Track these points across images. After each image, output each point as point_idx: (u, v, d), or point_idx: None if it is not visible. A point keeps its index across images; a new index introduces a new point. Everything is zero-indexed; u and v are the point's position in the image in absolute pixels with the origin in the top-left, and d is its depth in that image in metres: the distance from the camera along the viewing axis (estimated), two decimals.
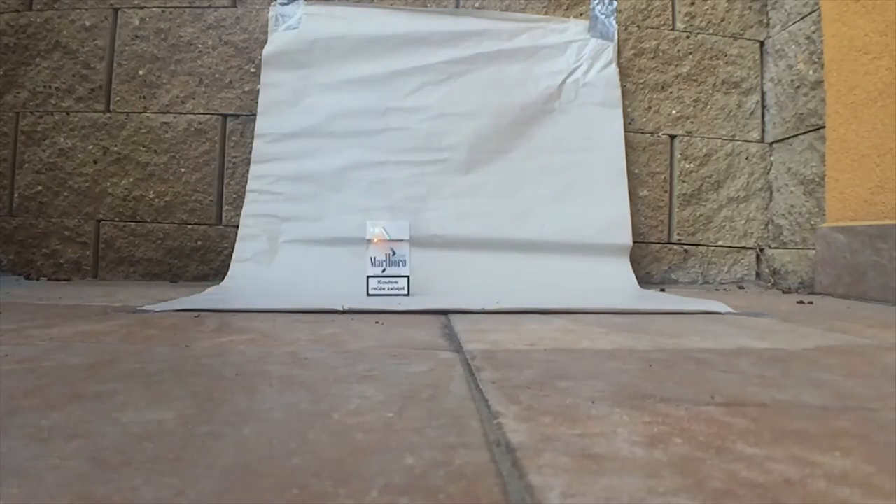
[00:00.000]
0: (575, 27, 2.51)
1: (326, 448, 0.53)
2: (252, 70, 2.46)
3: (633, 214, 2.55)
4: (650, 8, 2.62)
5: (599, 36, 2.54)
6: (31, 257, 2.47)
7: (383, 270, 1.85)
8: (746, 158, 2.63)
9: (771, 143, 2.61)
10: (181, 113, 2.45)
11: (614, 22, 2.55)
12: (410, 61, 2.36)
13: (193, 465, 0.49)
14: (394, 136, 2.32)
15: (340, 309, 1.51)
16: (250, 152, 2.37)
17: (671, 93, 2.61)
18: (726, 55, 2.64)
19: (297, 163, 2.29)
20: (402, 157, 2.31)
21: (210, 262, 2.43)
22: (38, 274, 2.45)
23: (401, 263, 1.86)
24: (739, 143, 2.63)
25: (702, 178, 2.60)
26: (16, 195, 2.47)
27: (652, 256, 2.57)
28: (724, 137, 2.63)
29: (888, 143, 1.92)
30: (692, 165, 2.61)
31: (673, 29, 2.63)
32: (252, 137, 2.37)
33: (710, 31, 2.65)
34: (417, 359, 0.95)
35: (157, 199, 2.45)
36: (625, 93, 2.53)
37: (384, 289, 1.84)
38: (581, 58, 2.47)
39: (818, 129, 2.28)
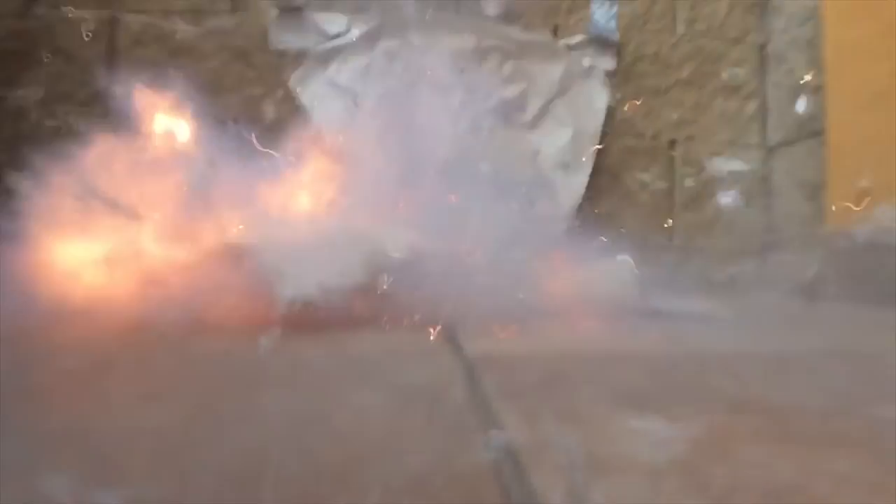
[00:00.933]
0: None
1: None
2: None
3: (634, 218, 2.55)
4: (650, 13, 2.62)
5: (599, 41, 2.54)
6: None
7: None
8: (747, 163, 2.63)
9: (771, 148, 2.61)
10: None
11: (615, 26, 2.55)
12: None
13: None
14: None
15: None
16: None
17: (671, 97, 2.61)
18: (727, 59, 2.64)
19: None
20: None
21: None
22: None
23: None
24: (740, 147, 2.63)
25: (702, 182, 2.60)
26: None
27: (653, 259, 2.56)
28: (725, 142, 2.62)
29: (888, 147, 1.92)
30: (693, 170, 2.60)
31: (673, 33, 2.63)
32: None
33: (711, 35, 2.65)
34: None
35: None
36: (625, 97, 2.53)
37: None
38: None
39: (819, 133, 2.28)
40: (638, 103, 2.58)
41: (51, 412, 0.64)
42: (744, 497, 0.44)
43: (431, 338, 1.18)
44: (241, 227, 1.48)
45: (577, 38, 2.56)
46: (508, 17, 2.57)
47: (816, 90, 2.30)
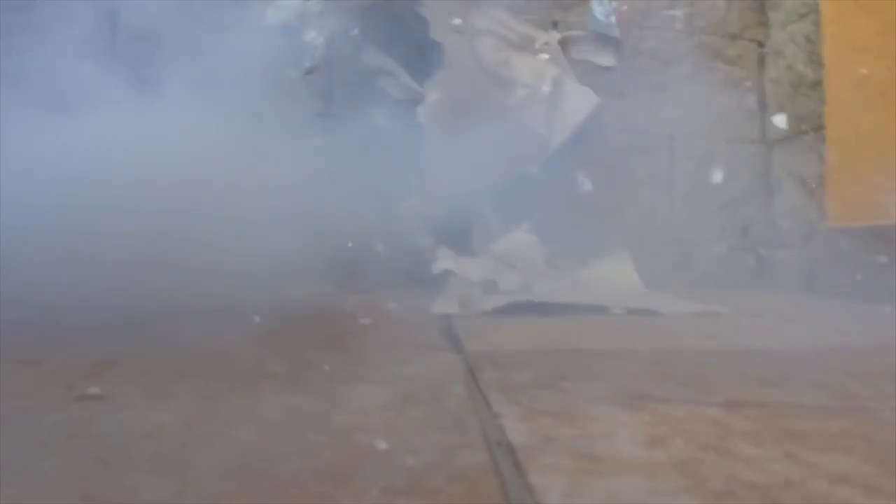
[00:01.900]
0: None
1: None
2: None
3: (633, 215, 2.55)
4: (650, 8, 2.61)
5: (599, 36, 2.54)
6: None
7: None
8: (746, 159, 2.63)
9: (770, 144, 2.61)
10: None
11: (614, 22, 2.55)
12: None
13: None
14: None
15: None
16: None
17: (670, 93, 2.60)
18: (725, 55, 2.64)
19: None
20: None
21: None
22: None
23: None
24: (739, 143, 2.63)
25: (701, 178, 2.60)
26: None
27: (652, 257, 2.56)
28: (724, 138, 2.62)
29: (888, 144, 1.92)
30: (692, 166, 2.60)
31: (672, 29, 2.63)
32: None
33: (710, 31, 2.64)
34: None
35: None
36: (625, 94, 2.53)
37: None
38: None
39: (818, 129, 2.28)
40: None
41: None
42: (740, 495, 0.45)
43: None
44: None
45: (577, 34, 2.56)
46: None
47: (816, 86, 2.30)
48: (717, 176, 2.63)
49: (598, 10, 2.57)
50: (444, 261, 2.07)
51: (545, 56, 2.50)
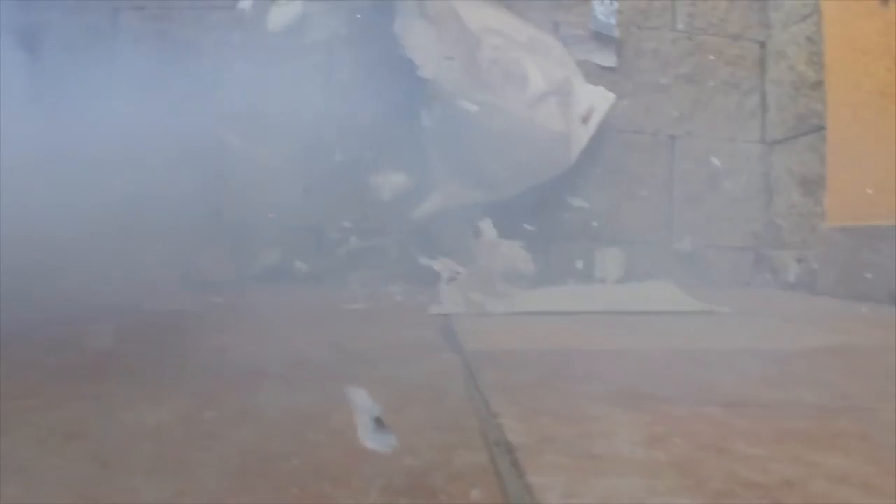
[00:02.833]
0: None
1: None
2: None
3: (633, 215, 2.55)
4: (651, 9, 2.61)
5: (600, 37, 2.54)
6: None
7: None
8: (746, 159, 2.62)
9: (771, 144, 2.61)
10: None
11: (615, 22, 2.55)
12: None
13: None
14: None
15: None
16: None
17: (671, 93, 2.60)
18: (727, 56, 2.63)
19: None
20: None
21: None
22: None
23: None
24: (740, 143, 2.63)
25: (702, 178, 2.60)
26: None
27: (652, 256, 2.56)
28: (725, 138, 2.62)
29: (888, 144, 1.92)
30: (692, 166, 2.60)
31: (673, 30, 2.63)
32: None
33: (711, 31, 2.64)
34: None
35: None
36: (626, 94, 2.53)
37: None
38: None
39: (818, 129, 2.28)
40: None
41: None
42: (740, 495, 0.45)
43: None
44: None
45: (578, 34, 2.56)
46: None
47: (816, 86, 2.29)
48: (718, 176, 2.63)
49: (598, 10, 2.57)
50: (441, 264, 2.06)
51: (555, 56, 2.49)
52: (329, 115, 2.42)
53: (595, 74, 2.56)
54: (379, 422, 0.71)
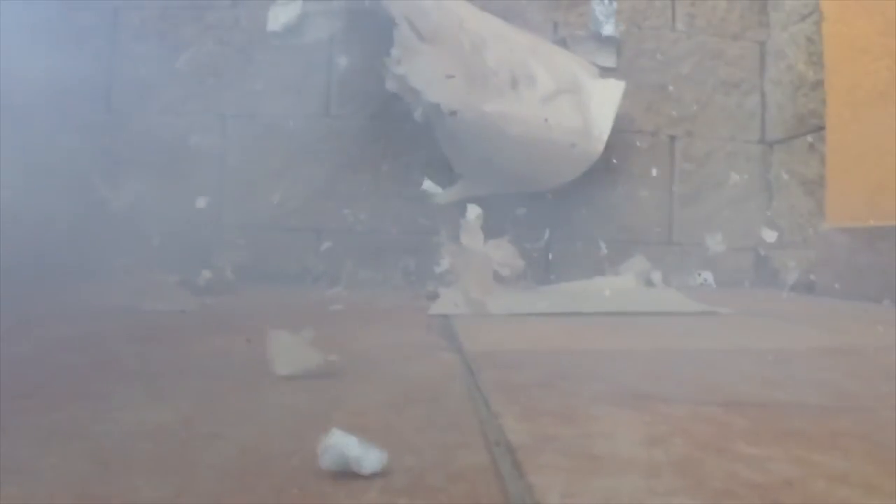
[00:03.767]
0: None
1: None
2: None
3: (633, 214, 2.55)
4: (650, 9, 2.61)
5: (599, 37, 2.54)
6: None
7: None
8: (746, 159, 2.62)
9: (771, 144, 2.61)
10: None
11: (615, 22, 2.55)
12: None
13: None
14: None
15: None
16: None
17: (671, 93, 2.60)
18: (726, 56, 2.64)
19: None
20: None
21: None
22: None
23: None
24: (739, 143, 2.63)
25: (702, 178, 2.60)
26: None
27: (652, 256, 2.56)
28: (724, 138, 2.62)
29: (888, 144, 1.92)
30: (692, 166, 2.60)
31: (673, 30, 2.63)
32: None
33: (711, 31, 2.64)
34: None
35: None
36: (625, 93, 2.53)
37: None
38: None
39: (818, 129, 2.28)
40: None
41: None
42: (740, 495, 0.45)
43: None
44: None
45: (578, 34, 2.56)
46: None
47: (816, 86, 2.29)
48: (718, 176, 2.63)
49: (598, 10, 2.57)
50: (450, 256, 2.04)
51: (558, 58, 2.49)
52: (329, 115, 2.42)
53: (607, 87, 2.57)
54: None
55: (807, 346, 1.11)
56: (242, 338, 1.06)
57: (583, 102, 2.41)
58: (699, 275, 2.24)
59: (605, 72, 2.55)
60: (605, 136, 2.37)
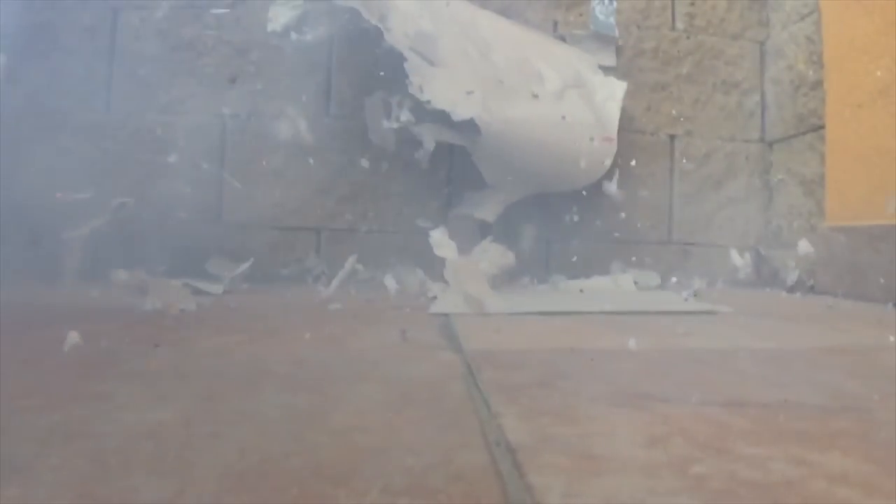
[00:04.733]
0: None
1: None
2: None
3: (633, 214, 2.55)
4: (650, 8, 2.61)
5: (599, 36, 2.54)
6: None
7: None
8: (746, 158, 2.63)
9: (771, 144, 2.61)
10: None
11: (614, 22, 2.55)
12: None
13: None
14: None
15: None
16: None
17: (671, 93, 2.60)
18: (726, 55, 2.64)
19: None
20: None
21: None
22: None
23: None
24: (739, 143, 2.63)
25: (701, 178, 2.60)
26: None
27: (652, 256, 2.57)
28: (724, 137, 2.62)
29: (888, 143, 1.92)
30: (692, 165, 2.60)
31: (673, 29, 2.63)
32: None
33: (710, 31, 2.64)
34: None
35: None
36: (625, 94, 2.53)
37: None
38: None
39: (818, 129, 2.28)
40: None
41: None
42: (740, 495, 0.45)
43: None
44: None
45: (578, 34, 2.56)
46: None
47: (816, 86, 2.30)
48: (718, 176, 2.63)
49: (598, 10, 2.57)
50: (444, 250, 2.04)
51: (559, 54, 2.49)
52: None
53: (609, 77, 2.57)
54: None
55: (807, 346, 1.11)
56: (243, 338, 1.06)
57: (589, 97, 2.42)
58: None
59: (606, 71, 2.56)
60: (615, 133, 2.39)
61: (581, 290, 2.08)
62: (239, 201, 2.43)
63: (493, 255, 2.13)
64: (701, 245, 2.61)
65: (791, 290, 2.28)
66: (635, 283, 2.29)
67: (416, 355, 0.98)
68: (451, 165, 2.48)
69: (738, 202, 2.63)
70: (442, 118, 2.17)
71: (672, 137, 2.62)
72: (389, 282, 2.26)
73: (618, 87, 2.48)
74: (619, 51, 2.59)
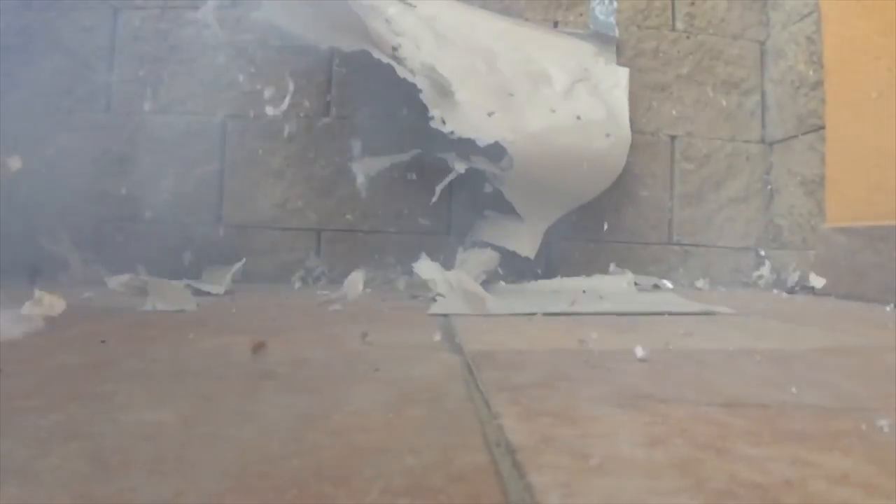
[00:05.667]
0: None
1: None
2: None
3: (633, 215, 2.56)
4: (650, 8, 2.61)
5: (599, 36, 2.55)
6: None
7: None
8: (746, 159, 2.63)
9: (771, 144, 2.61)
10: None
11: (614, 22, 2.55)
12: None
13: None
14: None
15: None
16: None
17: (671, 93, 2.60)
18: (726, 55, 2.64)
19: None
20: None
21: None
22: None
23: None
24: (739, 143, 2.63)
25: (702, 178, 2.60)
26: None
27: (652, 257, 2.57)
28: (724, 138, 2.62)
29: (888, 144, 1.92)
30: (692, 166, 2.60)
31: (673, 29, 2.63)
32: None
33: (710, 31, 2.65)
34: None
35: None
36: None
37: None
38: None
39: (818, 129, 2.28)
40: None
41: None
42: (740, 495, 0.45)
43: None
44: None
45: (578, 33, 2.56)
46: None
47: (816, 86, 2.29)
48: (718, 176, 2.63)
49: (598, 10, 2.57)
50: (425, 268, 2.03)
51: (560, 47, 2.50)
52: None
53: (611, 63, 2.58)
54: None
55: (807, 347, 1.11)
56: (243, 338, 1.06)
57: (596, 88, 2.43)
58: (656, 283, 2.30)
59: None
60: (627, 122, 2.39)
61: (584, 291, 2.07)
62: (239, 201, 2.43)
63: (472, 265, 2.11)
64: (701, 245, 2.61)
65: (791, 290, 2.28)
66: (635, 283, 2.29)
67: (417, 355, 0.98)
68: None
69: (738, 203, 2.63)
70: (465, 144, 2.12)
71: (672, 138, 2.62)
72: (391, 281, 2.27)
73: (621, 74, 2.50)
74: (619, 51, 2.59)
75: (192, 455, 0.52)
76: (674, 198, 2.61)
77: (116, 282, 1.86)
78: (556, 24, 2.59)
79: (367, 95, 2.42)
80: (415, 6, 2.33)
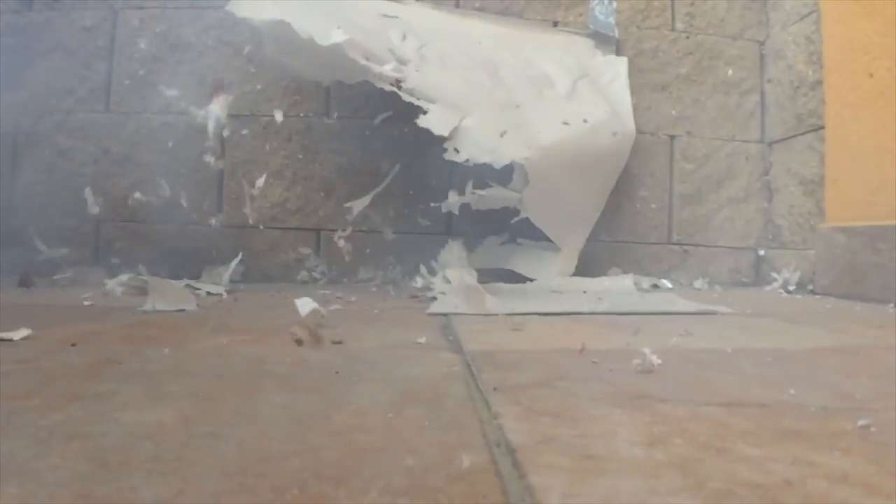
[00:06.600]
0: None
1: None
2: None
3: (633, 215, 2.56)
4: (650, 8, 2.61)
5: (599, 36, 2.55)
6: None
7: None
8: (746, 159, 2.63)
9: (770, 144, 2.61)
10: None
11: (614, 22, 2.55)
12: None
13: None
14: None
15: None
16: None
17: (671, 93, 2.60)
18: (726, 55, 2.64)
19: None
20: None
21: None
22: None
23: None
24: (739, 143, 2.63)
25: (701, 178, 2.60)
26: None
27: (652, 257, 2.57)
28: (724, 138, 2.62)
29: (888, 144, 1.92)
30: (692, 166, 2.60)
31: (672, 29, 2.63)
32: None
33: (710, 31, 2.64)
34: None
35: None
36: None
37: None
38: None
39: (818, 129, 2.28)
40: None
41: None
42: (740, 495, 0.45)
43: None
44: None
45: (577, 33, 2.56)
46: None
47: (815, 86, 2.29)
48: (718, 176, 2.62)
49: (597, 10, 2.57)
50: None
51: (557, 45, 2.50)
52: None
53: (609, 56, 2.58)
54: None
55: (807, 346, 1.11)
56: (243, 338, 1.06)
57: (597, 83, 2.43)
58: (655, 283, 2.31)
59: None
60: (631, 116, 2.40)
61: (584, 292, 2.07)
62: (239, 201, 2.43)
63: (454, 263, 2.12)
64: (701, 245, 2.61)
65: (791, 290, 2.28)
66: (635, 283, 2.29)
67: (417, 355, 0.98)
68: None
69: (737, 202, 2.63)
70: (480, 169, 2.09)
71: (672, 137, 2.62)
72: (391, 280, 2.26)
73: (619, 65, 2.50)
74: (618, 51, 2.59)
75: (192, 455, 0.52)
76: (673, 198, 2.61)
77: (116, 282, 1.86)
78: (555, 25, 2.59)
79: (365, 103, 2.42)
80: (399, 18, 2.31)
